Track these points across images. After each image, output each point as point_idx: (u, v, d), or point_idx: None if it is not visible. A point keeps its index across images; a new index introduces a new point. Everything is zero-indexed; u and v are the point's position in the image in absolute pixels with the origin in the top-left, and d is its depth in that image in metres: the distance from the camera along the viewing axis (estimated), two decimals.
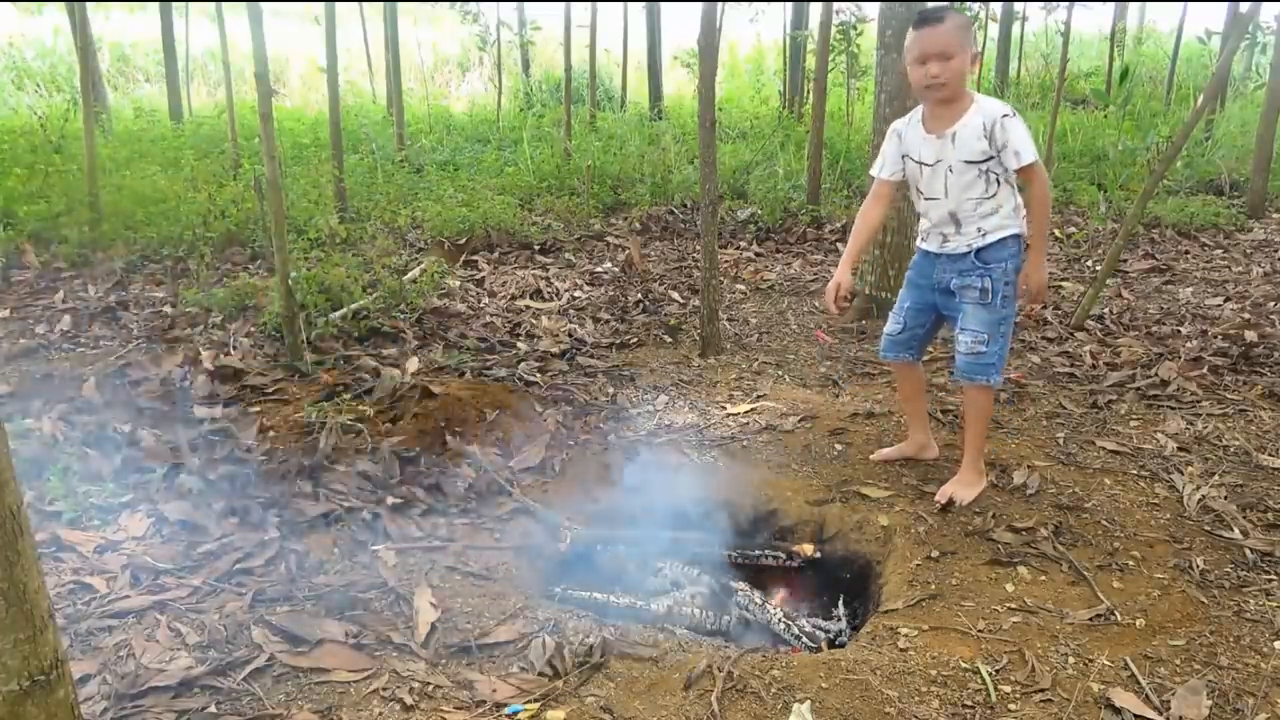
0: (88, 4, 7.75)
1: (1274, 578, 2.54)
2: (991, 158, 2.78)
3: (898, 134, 2.98)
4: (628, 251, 6.21)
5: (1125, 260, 6.00)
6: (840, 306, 3.05)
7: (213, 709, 2.03)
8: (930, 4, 2.78)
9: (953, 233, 2.92)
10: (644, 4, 12.19)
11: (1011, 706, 2.07)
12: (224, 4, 8.37)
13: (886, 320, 3.20)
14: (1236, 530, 2.77)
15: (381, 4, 9.91)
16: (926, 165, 2.89)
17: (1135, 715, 2.02)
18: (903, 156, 2.97)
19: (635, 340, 4.69)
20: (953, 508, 2.95)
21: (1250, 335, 4.39)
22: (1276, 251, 6.37)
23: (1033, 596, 2.48)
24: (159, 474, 3.05)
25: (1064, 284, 5.67)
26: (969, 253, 2.90)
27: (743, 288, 5.72)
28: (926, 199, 2.94)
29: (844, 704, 2.06)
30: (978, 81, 10.88)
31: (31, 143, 7.30)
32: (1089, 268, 6.04)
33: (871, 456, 3.32)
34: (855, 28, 9.40)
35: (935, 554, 2.69)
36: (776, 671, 2.16)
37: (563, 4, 9.44)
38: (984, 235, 2.87)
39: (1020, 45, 12.45)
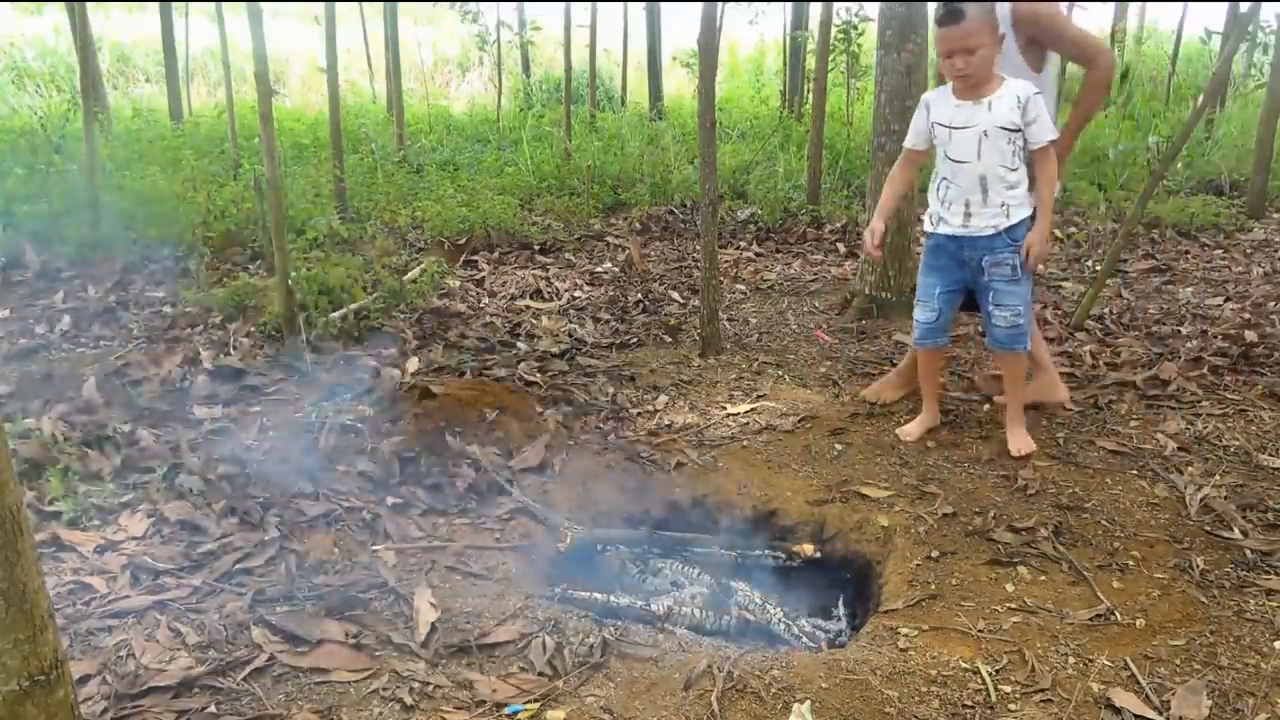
0: (88, 4, 7.74)
1: (1274, 578, 2.54)
2: (1019, 130, 2.95)
3: (927, 105, 3.15)
4: (628, 251, 6.20)
5: (1125, 260, 6.00)
6: (880, 248, 3.30)
7: (213, 709, 2.03)
8: (943, 1, 2.91)
9: (979, 203, 3.06)
10: (644, 4, 12.18)
11: (1011, 706, 2.07)
12: (224, 4, 8.36)
13: (916, 310, 3.35)
14: (1236, 530, 2.77)
15: (381, 4, 9.90)
16: (956, 129, 3.04)
17: (1135, 715, 2.02)
18: (932, 124, 3.12)
19: (635, 340, 4.68)
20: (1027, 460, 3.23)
21: (1250, 335, 4.39)
22: (1276, 251, 6.37)
23: (1033, 596, 2.48)
24: (159, 474, 3.04)
25: (1064, 284, 5.67)
26: (998, 234, 3.06)
27: (743, 288, 5.71)
28: (955, 163, 3.07)
29: (844, 704, 2.06)
30: None
31: (31, 143, 7.29)
32: (1089, 268, 6.04)
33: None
34: (855, 28, 9.39)
35: (935, 554, 2.70)
36: (776, 671, 2.16)
37: (563, 4, 9.43)
38: (1008, 214, 3.04)
39: None
